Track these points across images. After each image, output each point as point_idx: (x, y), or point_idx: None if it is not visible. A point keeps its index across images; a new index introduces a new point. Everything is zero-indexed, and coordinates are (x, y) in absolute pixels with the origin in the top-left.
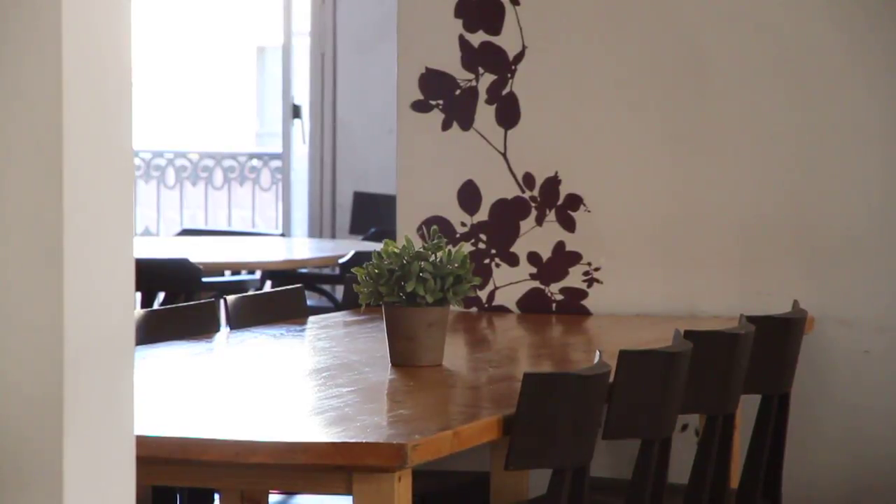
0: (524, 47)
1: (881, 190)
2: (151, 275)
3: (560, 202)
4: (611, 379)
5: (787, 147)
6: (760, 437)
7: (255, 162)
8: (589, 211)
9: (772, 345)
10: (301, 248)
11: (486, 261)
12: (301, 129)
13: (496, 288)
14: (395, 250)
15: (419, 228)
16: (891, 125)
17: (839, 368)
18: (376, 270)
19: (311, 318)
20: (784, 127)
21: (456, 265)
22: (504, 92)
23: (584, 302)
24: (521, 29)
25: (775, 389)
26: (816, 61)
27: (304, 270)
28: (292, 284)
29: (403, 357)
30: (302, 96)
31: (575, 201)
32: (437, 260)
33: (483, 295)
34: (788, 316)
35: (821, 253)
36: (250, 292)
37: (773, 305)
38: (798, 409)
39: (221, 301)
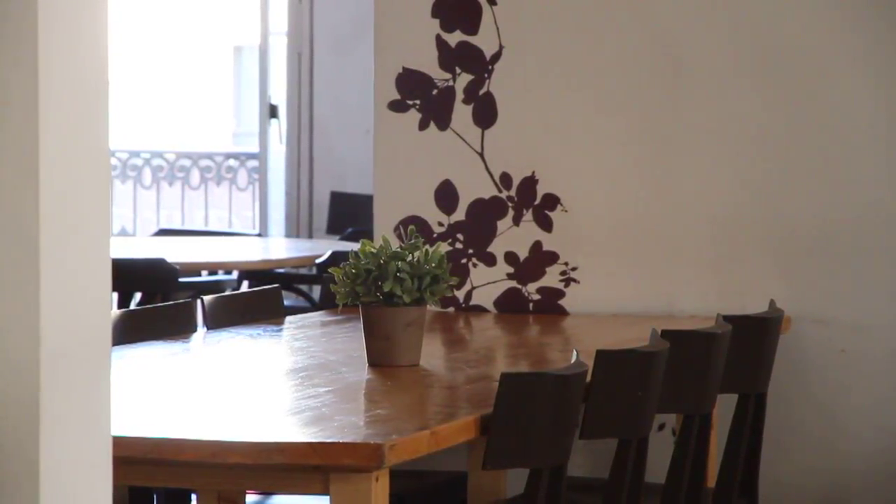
0: (501, 47)
1: (858, 190)
2: (128, 275)
3: (537, 202)
4: (588, 378)
5: (763, 146)
6: (737, 436)
7: (231, 162)
8: (566, 211)
9: (748, 344)
10: (278, 248)
11: (464, 260)
12: (278, 129)
13: (473, 288)
14: (373, 250)
15: (396, 228)
16: (867, 124)
17: (816, 367)
18: (353, 270)
19: (288, 318)
20: (761, 126)
21: (433, 265)
22: (481, 92)
23: (562, 301)
24: (497, 29)
25: (752, 389)
26: (791, 61)
27: (281, 270)
28: (269, 284)
29: (381, 357)
30: (279, 96)
31: (552, 201)
32: (415, 260)
33: (460, 295)
34: (765, 315)
35: (797, 252)
36: (227, 292)
37: (750, 305)
38: (775, 409)
39: (198, 301)
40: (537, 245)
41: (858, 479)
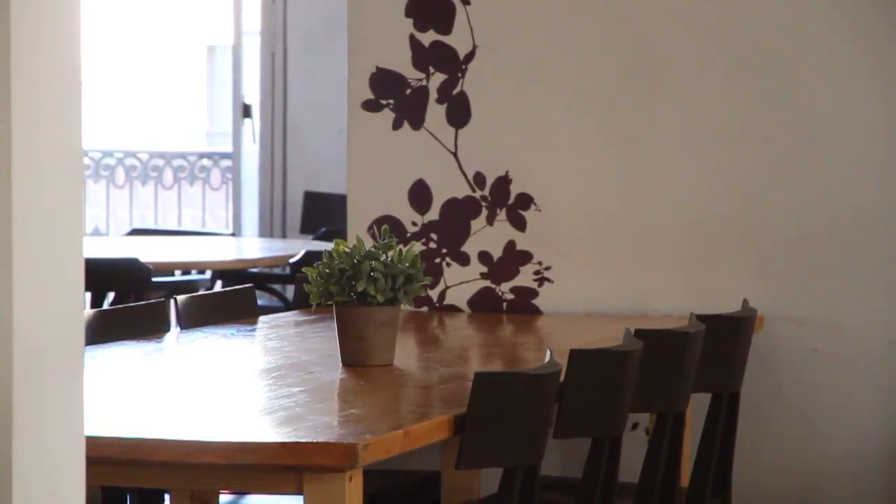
0: (475, 47)
1: (830, 190)
2: (101, 275)
3: (511, 201)
4: (562, 378)
5: (737, 146)
6: (711, 435)
7: (205, 161)
8: (539, 210)
9: (722, 343)
10: (251, 247)
11: (437, 260)
12: (251, 129)
13: (447, 287)
14: (346, 250)
15: (370, 228)
16: (841, 126)
17: (789, 367)
18: (327, 270)
19: (262, 318)
20: (735, 126)
21: (407, 264)
22: (455, 91)
23: (535, 301)
24: (471, 28)
25: (725, 388)
26: (766, 61)
27: (254, 270)
28: (243, 284)
29: (354, 357)
30: (252, 96)
31: (525, 201)
32: (388, 259)
33: (434, 294)
34: (738, 315)
35: (770, 252)
36: (200, 292)
37: (724, 304)
38: (748, 408)
39: (171, 301)
40: (511, 244)
41: (831, 479)
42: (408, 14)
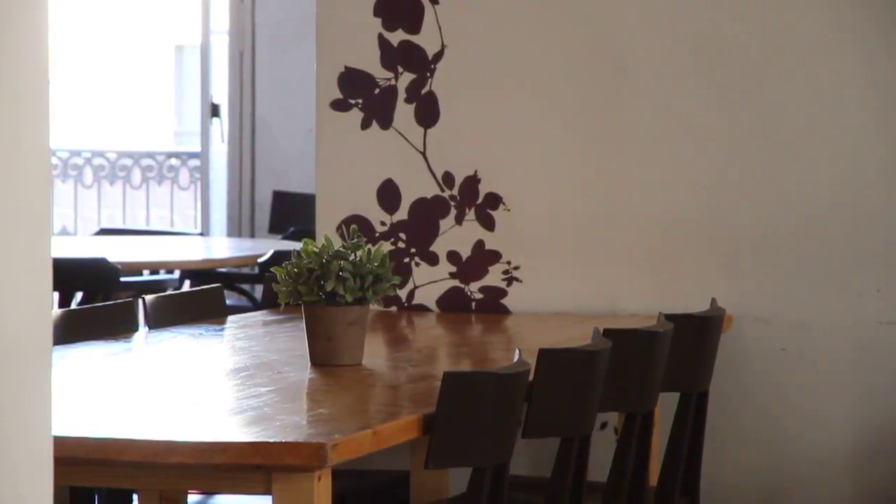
0: (443, 46)
1: (798, 190)
2: (69, 274)
3: (479, 201)
4: (530, 377)
5: (706, 147)
6: (679, 434)
7: (173, 161)
8: (508, 210)
9: (690, 343)
10: (220, 247)
11: (406, 260)
12: (220, 128)
13: (416, 287)
14: (315, 249)
15: (339, 227)
16: (808, 125)
17: (756, 366)
18: (296, 270)
19: (231, 318)
20: (704, 126)
21: (375, 264)
22: (423, 91)
23: (504, 300)
24: (440, 28)
25: (694, 387)
26: (734, 62)
27: (223, 270)
28: (211, 284)
29: (323, 356)
30: (220, 95)
31: (494, 200)
32: (357, 259)
33: (403, 294)
34: (706, 314)
35: (738, 252)
36: (169, 292)
37: (692, 303)
38: (716, 407)
39: (140, 301)
40: (480, 244)
41: (798, 478)
42: (376, 14)
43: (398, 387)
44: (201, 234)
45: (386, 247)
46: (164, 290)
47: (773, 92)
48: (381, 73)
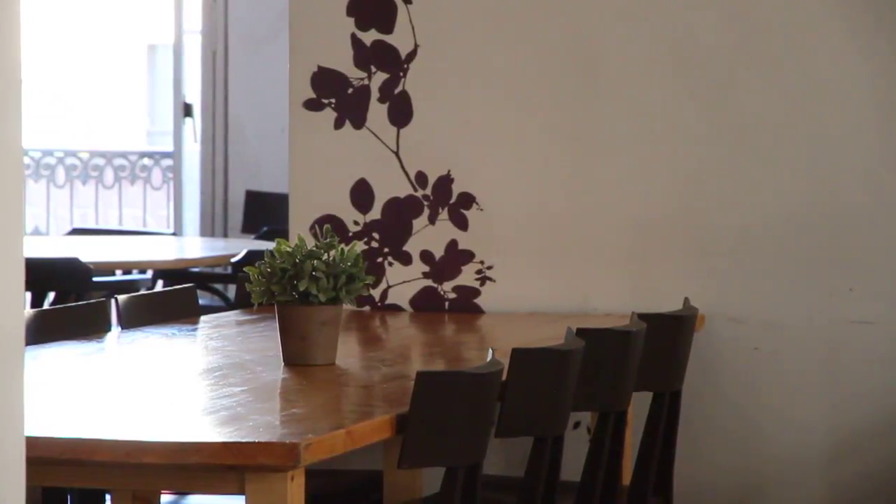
0: (416, 46)
1: (770, 189)
2: (41, 274)
3: (453, 201)
4: (504, 377)
5: (678, 147)
6: (652, 434)
7: (146, 161)
8: (481, 209)
9: (663, 342)
10: (193, 247)
11: (379, 259)
12: (192, 128)
13: (389, 286)
14: (288, 249)
15: (312, 227)
16: (782, 126)
17: (729, 365)
18: (269, 269)
19: (203, 318)
20: (676, 127)
21: (349, 264)
22: (396, 90)
23: (477, 300)
24: (413, 27)
25: (667, 386)
26: (710, 62)
27: (195, 270)
28: (184, 284)
29: (296, 356)
30: (193, 95)
31: (467, 200)
32: (330, 259)
33: (376, 294)
34: (679, 313)
35: (711, 251)
36: (142, 292)
37: (665, 303)
38: (689, 406)
39: (112, 301)
40: (453, 244)
41: (771, 477)
42: (349, 13)
43: (371, 387)
44: (174, 234)
45: (359, 246)
46: (137, 290)
47: (747, 92)
48: (354, 73)
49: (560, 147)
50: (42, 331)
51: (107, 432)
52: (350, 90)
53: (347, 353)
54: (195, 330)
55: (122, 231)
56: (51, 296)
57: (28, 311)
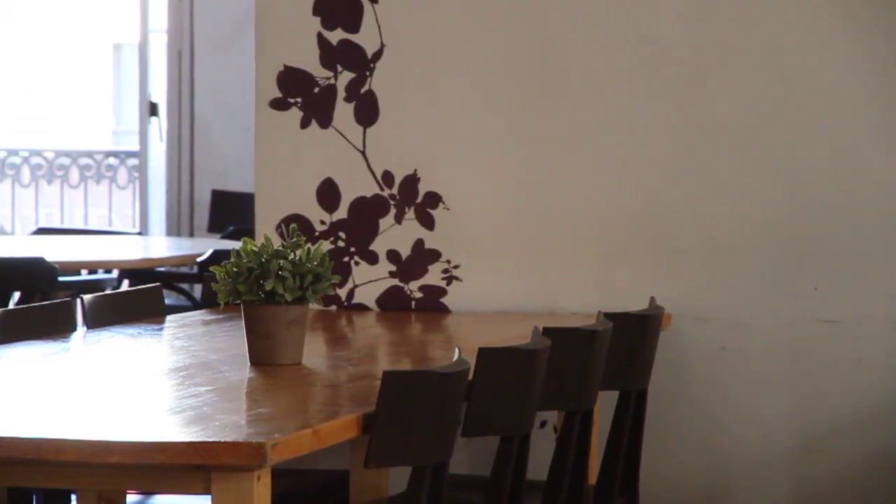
0: (383, 45)
1: (736, 189)
2: (6, 274)
3: (419, 200)
4: (470, 376)
5: (644, 147)
6: (618, 433)
7: (111, 160)
8: (448, 209)
9: (629, 341)
10: (159, 246)
11: (346, 259)
12: (158, 127)
13: (355, 286)
14: (254, 249)
15: (278, 226)
16: (747, 125)
17: (695, 365)
18: (235, 269)
19: (169, 318)
20: (643, 127)
21: (315, 263)
22: (363, 90)
23: (444, 299)
24: (379, 27)
25: (633, 386)
26: (676, 61)
27: (161, 269)
28: (150, 283)
29: (262, 356)
30: (159, 94)
31: (434, 199)
32: (296, 258)
33: (342, 293)
34: (645, 313)
35: (677, 251)
36: (107, 291)
37: (631, 302)
38: (655, 405)
39: (78, 300)
40: (419, 243)
41: (738, 476)
42: (315, 13)
43: (338, 386)
44: (140, 234)
45: (325, 246)
46: (103, 290)
47: (713, 91)
48: (320, 73)
49: (527, 147)
50: (7, 330)
51: (72, 432)
52: (316, 89)
53: (314, 352)
54: (161, 329)
55: (87, 231)
56: (16, 295)
57: None
